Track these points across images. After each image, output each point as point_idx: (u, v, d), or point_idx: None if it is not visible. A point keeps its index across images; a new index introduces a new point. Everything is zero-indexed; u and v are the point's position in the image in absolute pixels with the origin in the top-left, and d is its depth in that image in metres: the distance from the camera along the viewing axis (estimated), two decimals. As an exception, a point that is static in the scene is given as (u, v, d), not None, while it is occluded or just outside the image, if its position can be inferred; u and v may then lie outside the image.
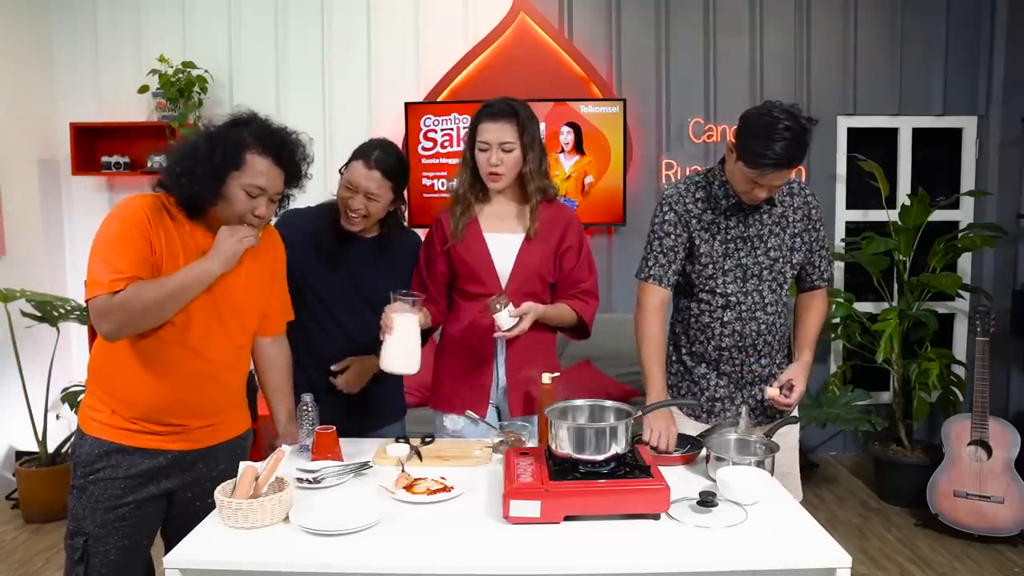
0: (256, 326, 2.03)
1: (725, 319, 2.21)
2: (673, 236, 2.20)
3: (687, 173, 4.49)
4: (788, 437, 2.25)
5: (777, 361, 2.28)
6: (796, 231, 2.20)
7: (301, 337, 2.26)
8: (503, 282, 2.25)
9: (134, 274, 1.71)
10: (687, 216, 2.19)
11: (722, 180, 2.15)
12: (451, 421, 2.31)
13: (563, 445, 1.72)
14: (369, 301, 2.25)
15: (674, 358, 2.33)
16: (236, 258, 1.80)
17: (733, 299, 2.20)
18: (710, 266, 2.20)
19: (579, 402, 1.90)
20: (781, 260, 2.19)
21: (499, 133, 2.18)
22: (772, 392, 2.15)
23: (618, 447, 1.71)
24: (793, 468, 2.29)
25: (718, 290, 2.20)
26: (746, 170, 2.01)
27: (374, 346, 2.16)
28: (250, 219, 1.82)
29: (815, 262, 2.27)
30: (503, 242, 2.26)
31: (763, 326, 2.21)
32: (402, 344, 2.06)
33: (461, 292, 2.31)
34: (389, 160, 2.21)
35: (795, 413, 2.30)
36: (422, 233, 2.45)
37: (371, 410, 2.37)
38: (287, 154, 1.84)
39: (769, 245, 2.18)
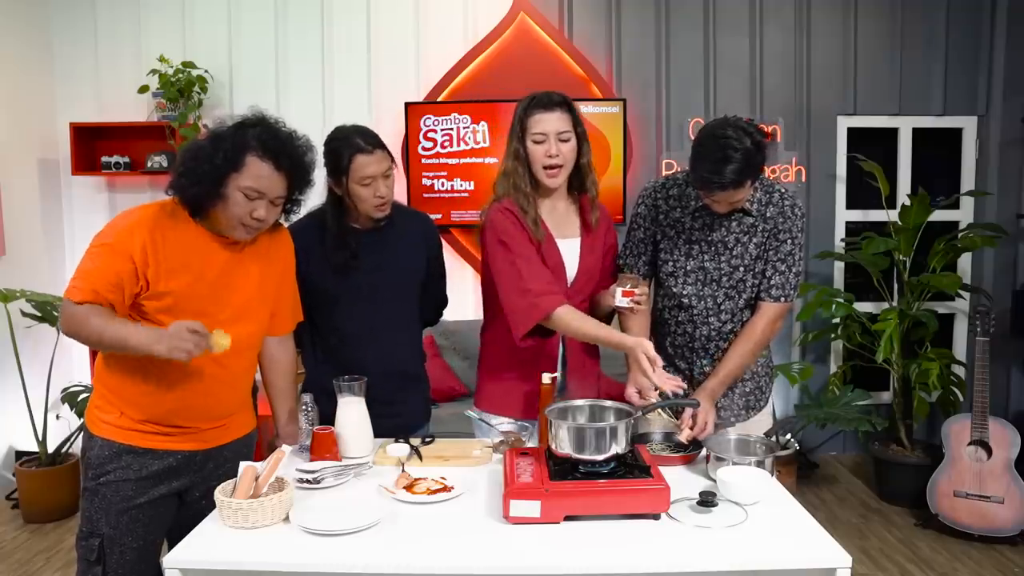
0: (266, 328, 2.04)
1: (679, 319, 2.23)
2: (642, 229, 2.24)
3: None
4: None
5: None
6: (762, 239, 2.14)
7: (347, 353, 2.26)
8: (568, 288, 2.19)
9: (98, 290, 1.74)
10: (655, 211, 2.20)
11: None
12: (499, 423, 2.20)
13: (563, 445, 1.72)
14: (395, 287, 2.29)
15: None
16: (172, 356, 1.73)
17: (686, 301, 2.20)
18: (670, 263, 2.21)
19: (579, 402, 1.90)
20: (742, 268, 2.15)
21: (556, 123, 2.08)
22: (687, 436, 2.04)
23: (618, 447, 1.71)
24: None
25: (674, 289, 2.21)
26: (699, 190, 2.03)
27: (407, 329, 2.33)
28: (248, 221, 1.81)
29: (766, 271, 2.14)
30: (568, 247, 2.19)
31: (714, 331, 2.21)
32: (350, 433, 2.07)
33: None
34: (373, 135, 2.19)
35: (769, 407, 2.31)
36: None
37: (404, 420, 2.33)
38: (288, 159, 1.83)
39: (733, 252, 2.15)
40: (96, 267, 1.76)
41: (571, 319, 2.04)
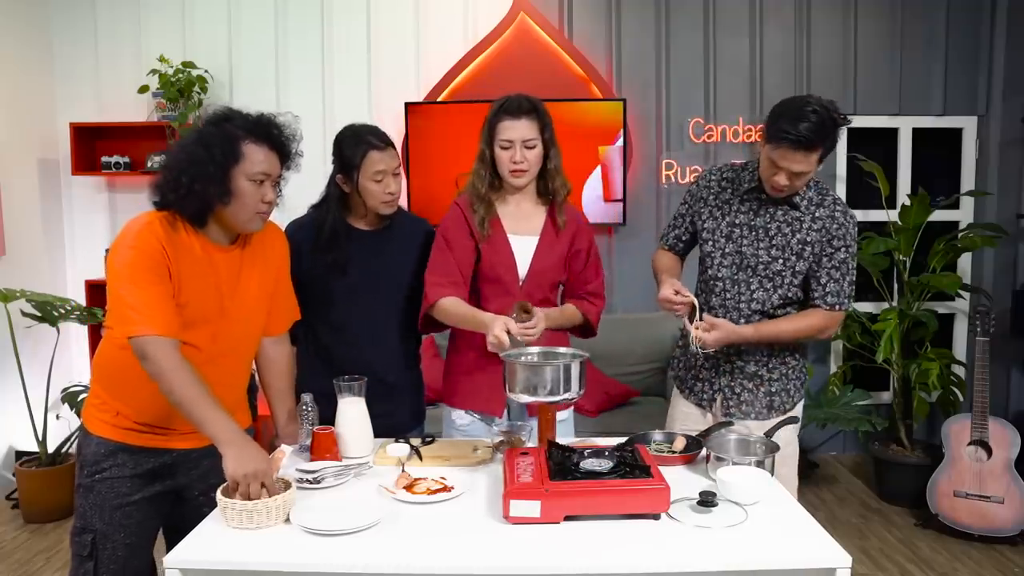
0: (263, 328, 2.04)
1: (712, 303, 2.25)
2: (687, 206, 2.34)
3: (687, 173, 4.51)
4: (788, 447, 2.19)
5: (761, 360, 2.25)
6: (808, 239, 2.16)
7: (338, 351, 2.28)
8: (520, 285, 2.24)
9: (158, 319, 1.71)
10: (706, 191, 2.27)
11: (754, 167, 2.19)
12: (459, 416, 2.31)
13: (519, 387, 1.85)
14: (384, 290, 2.31)
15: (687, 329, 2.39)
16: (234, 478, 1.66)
17: (720, 285, 2.22)
18: (710, 243, 2.25)
19: (534, 349, 2.00)
20: (781, 261, 2.18)
21: (521, 130, 2.14)
22: (689, 325, 2.12)
23: (571, 391, 1.82)
24: (790, 479, 2.23)
25: (710, 271, 2.25)
26: (768, 148, 2.04)
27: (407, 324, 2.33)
28: (262, 208, 1.83)
29: (820, 278, 2.18)
30: (522, 244, 2.25)
31: (743, 319, 2.21)
32: (350, 433, 2.07)
33: (476, 292, 2.28)
34: (384, 133, 2.28)
35: (796, 414, 2.29)
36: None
37: (399, 419, 2.34)
38: (276, 137, 1.85)
39: (773, 242, 2.18)
40: (146, 294, 1.71)
41: (449, 306, 2.16)
